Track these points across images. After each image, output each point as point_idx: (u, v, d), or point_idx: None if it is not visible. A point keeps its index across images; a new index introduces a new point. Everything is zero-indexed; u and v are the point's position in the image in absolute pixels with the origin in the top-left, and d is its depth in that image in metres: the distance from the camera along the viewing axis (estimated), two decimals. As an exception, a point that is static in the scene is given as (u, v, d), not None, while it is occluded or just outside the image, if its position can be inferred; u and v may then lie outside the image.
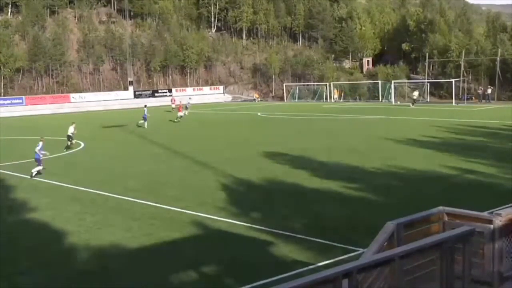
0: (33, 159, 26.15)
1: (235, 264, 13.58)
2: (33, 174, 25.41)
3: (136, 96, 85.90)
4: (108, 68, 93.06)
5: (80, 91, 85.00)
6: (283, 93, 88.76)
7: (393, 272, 7.81)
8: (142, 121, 48.03)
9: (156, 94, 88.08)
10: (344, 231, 15.79)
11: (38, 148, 25.87)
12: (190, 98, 67.32)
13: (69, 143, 35.08)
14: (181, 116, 53.28)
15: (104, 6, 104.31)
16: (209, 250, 14.75)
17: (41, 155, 25.80)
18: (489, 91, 71.00)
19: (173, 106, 69.22)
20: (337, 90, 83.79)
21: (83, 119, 60.51)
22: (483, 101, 69.87)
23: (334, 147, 32.67)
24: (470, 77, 77.61)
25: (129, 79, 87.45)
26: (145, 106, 51.72)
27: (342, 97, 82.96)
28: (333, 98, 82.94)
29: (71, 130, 35.09)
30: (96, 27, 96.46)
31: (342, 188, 21.23)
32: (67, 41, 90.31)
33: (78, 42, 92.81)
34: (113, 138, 41.76)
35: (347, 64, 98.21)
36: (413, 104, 66.50)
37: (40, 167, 25.77)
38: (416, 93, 68.89)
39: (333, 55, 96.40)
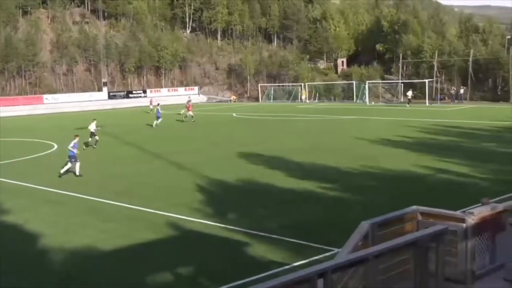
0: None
1: (210, 265, 13.57)
2: (65, 171, 25.60)
3: (110, 97, 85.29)
4: (82, 69, 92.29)
5: (54, 92, 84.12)
6: (258, 93, 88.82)
7: (367, 271, 7.87)
8: (156, 121, 48.39)
9: (130, 95, 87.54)
10: (320, 231, 15.87)
11: (71, 145, 26.02)
12: (189, 97, 66.50)
13: (90, 139, 35.59)
14: (192, 116, 52.34)
15: (78, 6, 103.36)
16: (184, 251, 14.73)
17: (75, 152, 25.85)
18: (462, 91, 71.76)
19: (151, 107, 69.02)
20: (305, 90, 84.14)
21: (56, 120, 60.09)
22: (456, 101, 70.56)
23: (309, 147, 32.78)
24: (443, 78, 78.38)
25: (103, 80, 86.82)
26: (158, 104, 52.08)
27: (312, 98, 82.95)
28: (302, 99, 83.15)
29: (92, 126, 35.88)
30: (69, 27, 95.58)
31: (318, 188, 21.32)
32: (40, 42, 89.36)
33: (51, 43, 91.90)
34: (87, 139, 41.33)
35: (321, 64, 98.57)
36: (408, 103, 66.25)
37: (70, 165, 25.72)
38: (410, 93, 68.51)
39: (307, 56, 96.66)
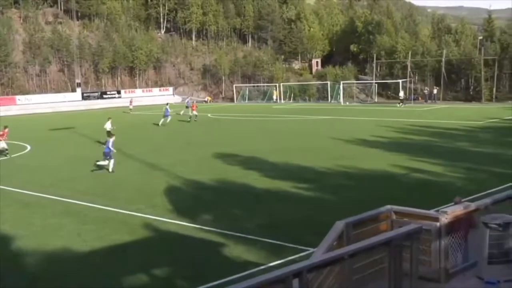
0: None
1: (186, 266, 13.56)
2: (97, 166, 26.73)
3: (84, 97, 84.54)
4: (55, 70, 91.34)
5: (27, 93, 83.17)
6: (233, 94, 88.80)
7: (342, 271, 7.93)
8: (163, 119, 48.60)
9: (104, 96, 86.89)
10: (295, 231, 15.92)
11: (109, 143, 26.73)
12: (192, 95, 65.49)
13: (107, 138, 34.98)
14: (196, 115, 52.13)
15: (51, 6, 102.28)
16: (160, 252, 14.68)
17: (110, 149, 26.53)
18: (435, 91, 72.43)
19: (131, 107, 69.23)
20: (276, 91, 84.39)
21: (29, 121, 59.45)
22: (430, 101, 71.21)
23: (284, 147, 32.85)
24: (416, 78, 79.07)
25: (77, 80, 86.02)
26: (167, 104, 52.27)
27: (287, 98, 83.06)
28: (274, 99, 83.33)
29: (108, 125, 36.52)
30: (42, 27, 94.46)
31: (293, 188, 21.39)
32: (12, 42, 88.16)
33: (24, 43, 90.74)
34: (61, 140, 41.04)
35: (296, 65, 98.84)
36: (400, 104, 65.66)
37: (105, 163, 26.51)
38: (402, 93, 68.19)
39: (282, 56, 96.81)
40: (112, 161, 26.47)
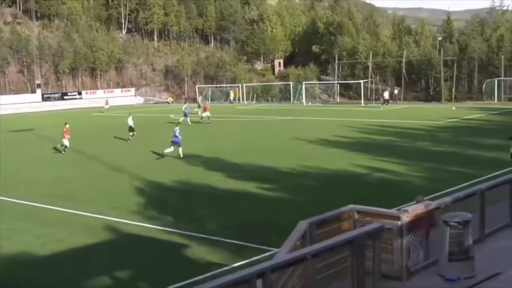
0: None
1: (149, 268, 13.47)
2: (164, 154, 29.86)
3: (44, 99, 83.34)
4: (14, 70, 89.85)
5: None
6: (196, 95, 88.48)
7: (306, 270, 7.95)
8: (183, 118, 48.83)
9: (65, 97, 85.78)
10: (259, 231, 15.94)
11: (177, 132, 30.03)
12: (201, 94, 64.01)
13: (131, 133, 38.61)
14: (208, 117, 50.72)
15: (9, 6, 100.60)
16: (122, 254, 14.56)
17: (179, 138, 29.87)
18: (396, 91, 73.18)
19: (106, 107, 69.42)
20: (233, 92, 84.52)
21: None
22: (391, 101, 71.87)
23: (248, 148, 32.88)
24: (377, 78, 79.82)
25: (37, 81, 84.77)
26: (185, 102, 53.84)
27: (250, 99, 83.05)
28: (231, 100, 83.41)
29: (130, 121, 38.76)
30: (0, 28, 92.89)
31: (257, 189, 21.42)
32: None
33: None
34: (21, 142, 40.39)
35: (259, 65, 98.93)
36: (385, 104, 64.80)
37: (170, 149, 29.76)
38: (386, 94, 67.42)
39: (245, 57, 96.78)
40: (180, 148, 29.60)
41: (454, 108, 55.82)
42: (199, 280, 11.77)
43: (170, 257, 14.19)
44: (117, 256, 14.44)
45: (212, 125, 48.45)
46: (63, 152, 33.28)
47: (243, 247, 14.58)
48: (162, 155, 30.01)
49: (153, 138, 39.51)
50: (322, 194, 20.32)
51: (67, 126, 34.11)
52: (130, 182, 23.60)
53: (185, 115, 49.71)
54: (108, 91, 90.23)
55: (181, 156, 29.44)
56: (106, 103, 70.94)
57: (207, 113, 51.19)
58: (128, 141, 37.91)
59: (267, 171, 25.06)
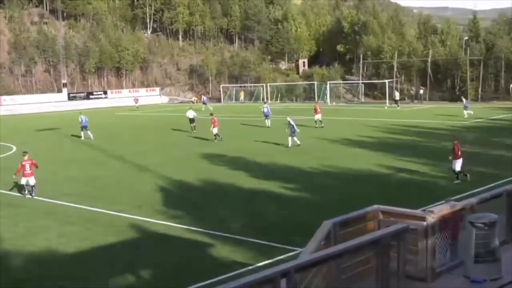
0: None
1: (173, 266, 13.51)
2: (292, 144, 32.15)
3: (70, 98, 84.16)
4: (41, 70, 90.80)
5: (12, 94, 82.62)
6: (220, 94, 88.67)
7: (330, 270, 7.92)
8: (267, 120, 45.51)
9: (91, 97, 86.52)
10: (283, 231, 15.91)
11: (292, 122, 32.56)
12: (207, 94, 64.23)
13: (192, 125, 41.94)
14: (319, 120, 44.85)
15: (36, 6, 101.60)
16: (146, 253, 14.62)
17: (296, 128, 32.46)
18: (421, 91, 72.66)
19: (137, 105, 70.99)
20: (243, 92, 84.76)
21: (14, 122, 59.00)
22: (416, 101, 71.42)
23: (271, 148, 32.86)
24: (403, 78, 79.31)
25: (63, 81, 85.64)
26: (265, 102, 54.79)
27: (274, 99, 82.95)
28: (240, 100, 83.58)
29: (190, 114, 42.16)
30: (28, 28, 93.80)
31: (280, 189, 21.39)
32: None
33: (9, 44, 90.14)
34: (47, 141, 40.78)
35: (283, 65, 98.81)
36: (395, 103, 64.44)
37: (295, 138, 32.37)
38: (397, 94, 67.06)
39: (269, 57, 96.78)
40: (295, 138, 32.20)
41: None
42: (223, 280, 11.77)
43: (194, 255, 14.22)
44: (141, 255, 14.51)
45: (236, 125, 48.42)
46: (215, 141, 36.10)
47: (267, 246, 14.56)
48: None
49: (176, 138, 39.66)
50: (345, 194, 20.24)
51: (214, 117, 37.31)
52: (153, 181, 23.71)
53: (267, 116, 45.45)
54: (133, 91, 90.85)
55: (298, 143, 32.23)
56: (136, 101, 71.65)
57: (318, 116, 44.47)
58: (193, 131, 41.13)
59: (289, 171, 25.04)
